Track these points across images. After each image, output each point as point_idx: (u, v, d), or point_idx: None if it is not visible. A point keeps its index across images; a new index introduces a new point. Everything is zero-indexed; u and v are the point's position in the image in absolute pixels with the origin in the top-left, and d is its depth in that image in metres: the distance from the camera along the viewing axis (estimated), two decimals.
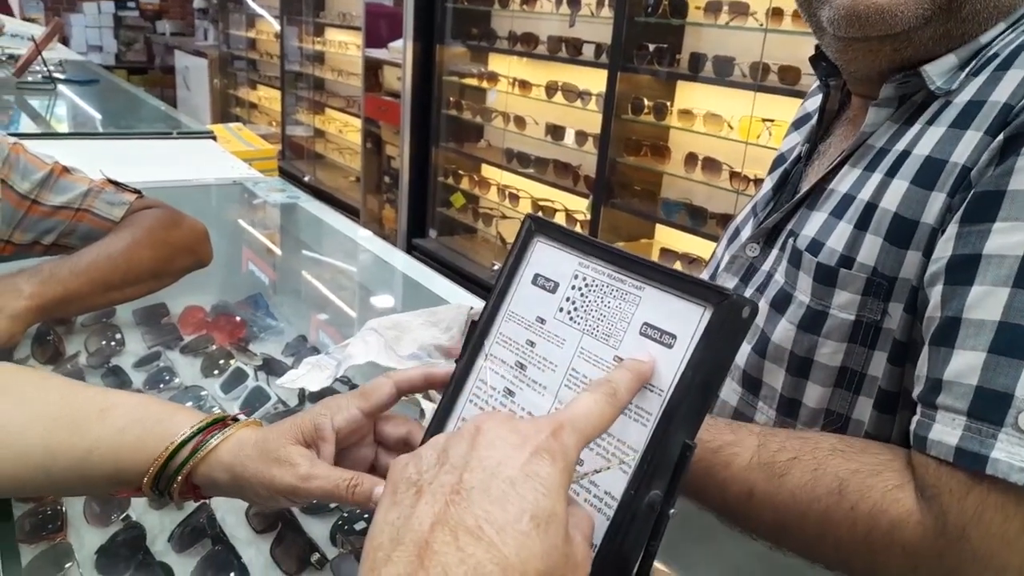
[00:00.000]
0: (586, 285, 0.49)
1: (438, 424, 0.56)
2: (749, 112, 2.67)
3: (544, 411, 0.49)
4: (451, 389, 0.56)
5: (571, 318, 0.49)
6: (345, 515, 0.84)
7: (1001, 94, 0.61)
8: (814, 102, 0.90)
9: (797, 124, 0.92)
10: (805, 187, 0.79)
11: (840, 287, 0.69)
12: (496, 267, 3.69)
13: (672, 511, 0.41)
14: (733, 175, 2.77)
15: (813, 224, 0.74)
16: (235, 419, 0.63)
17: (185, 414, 0.63)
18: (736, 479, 0.62)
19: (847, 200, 0.71)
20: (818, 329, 0.70)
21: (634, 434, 0.43)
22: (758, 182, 2.53)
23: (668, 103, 3.00)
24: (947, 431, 0.55)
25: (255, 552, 0.80)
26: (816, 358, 0.71)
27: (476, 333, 0.55)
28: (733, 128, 2.75)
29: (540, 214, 3.72)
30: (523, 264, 0.54)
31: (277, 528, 0.82)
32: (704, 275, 0.95)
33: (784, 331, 0.73)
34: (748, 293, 0.81)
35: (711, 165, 2.85)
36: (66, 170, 1.09)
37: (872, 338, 0.68)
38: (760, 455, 0.63)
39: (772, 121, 2.60)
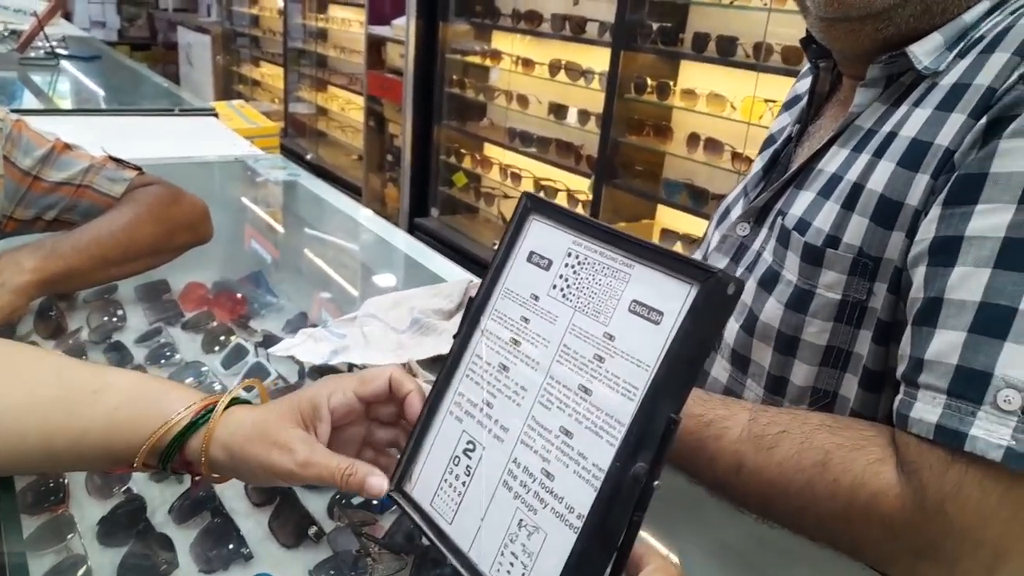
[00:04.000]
0: (579, 263, 0.50)
1: (436, 398, 0.57)
2: (751, 92, 2.66)
3: (537, 386, 0.50)
4: (448, 364, 0.57)
5: (563, 295, 0.50)
6: None
7: (985, 77, 0.62)
8: (804, 84, 0.91)
9: (788, 105, 0.92)
10: (794, 167, 0.79)
11: (826, 267, 0.69)
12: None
13: (656, 483, 0.42)
14: (735, 156, 2.76)
15: (801, 203, 0.74)
16: (235, 400, 0.63)
17: (179, 392, 0.62)
18: (726, 451, 0.64)
19: (835, 180, 0.72)
20: (805, 308, 0.71)
21: (621, 408, 0.44)
22: None
23: (671, 83, 2.98)
24: (928, 409, 0.56)
25: (254, 524, 0.81)
26: (803, 336, 0.72)
27: (473, 309, 0.56)
28: (736, 108, 2.74)
29: (542, 194, 3.73)
30: (519, 242, 0.55)
31: (275, 501, 0.83)
32: (696, 255, 0.96)
33: (772, 309, 0.74)
34: (738, 272, 0.82)
35: (713, 145, 2.84)
36: (67, 147, 1.10)
37: (858, 317, 0.69)
38: (751, 428, 0.64)
39: (774, 102, 2.58)
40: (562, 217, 0.52)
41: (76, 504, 0.81)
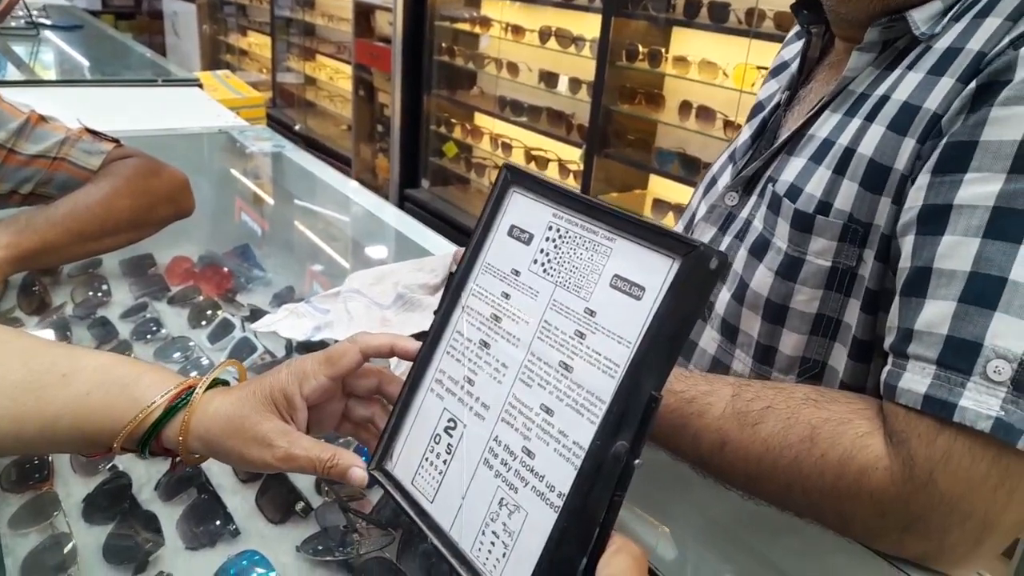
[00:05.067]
0: (560, 236, 0.49)
1: (417, 374, 0.56)
2: (744, 59, 2.63)
3: (518, 363, 0.49)
4: (429, 341, 0.56)
5: (544, 270, 0.49)
6: None
7: (977, 42, 0.61)
8: (791, 50, 0.90)
9: (775, 72, 0.91)
10: (784, 134, 0.78)
11: (817, 233, 0.69)
12: None
13: (637, 462, 0.41)
14: (727, 124, 2.74)
15: (792, 169, 0.74)
16: (217, 381, 0.62)
17: (151, 376, 0.61)
18: (710, 428, 0.63)
19: (827, 145, 0.71)
20: (795, 275, 0.71)
21: (602, 385, 0.44)
22: None
23: (663, 50, 2.95)
24: (916, 379, 0.56)
25: (240, 501, 0.81)
26: (792, 305, 0.71)
27: (453, 285, 0.55)
28: (728, 76, 2.71)
29: (533, 164, 3.67)
30: (499, 215, 0.54)
31: (262, 477, 0.83)
32: (679, 225, 0.95)
33: (762, 277, 0.73)
34: (727, 241, 0.81)
35: (705, 114, 2.82)
36: (42, 119, 1.08)
37: (847, 285, 0.68)
38: (734, 404, 0.63)
39: (767, 69, 2.55)
40: (543, 189, 0.51)
41: (61, 482, 0.81)
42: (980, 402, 0.53)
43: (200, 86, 2.20)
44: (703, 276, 0.42)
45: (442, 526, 0.49)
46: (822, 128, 0.72)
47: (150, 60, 2.73)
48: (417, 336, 0.59)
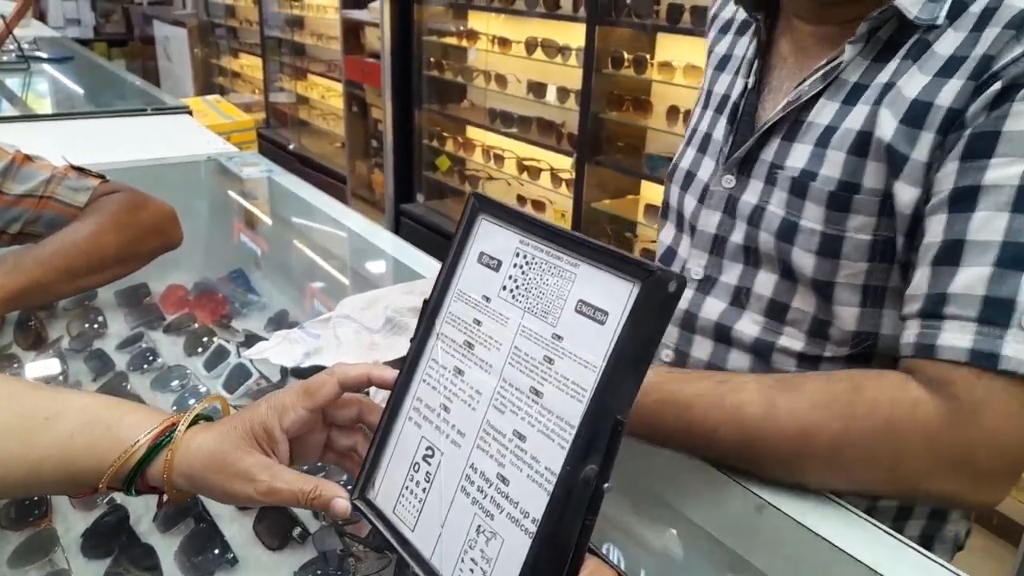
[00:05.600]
0: (527, 263, 0.50)
1: (395, 403, 0.57)
2: None
3: (491, 389, 0.50)
4: (406, 368, 0.57)
5: (513, 296, 0.50)
6: None
7: (981, 48, 0.68)
8: (724, 44, 0.94)
9: (720, 66, 0.94)
10: (767, 116, 0.82)
11: (855, 211, 0.74)
12: None
13: (607, 485, 0.42)
14: None
15: (798, 155, 0.78)
16: (200, 417, 0.62)
17: (135, 417, 0.62)
18: (752, 399, 0.66)
19: (830, 131, 0.75)
20: (837, 252, 0.75)
21: (570, 410, 0.44)
22: None
23: (648, 56, 2.96)
24: (957, 337, 0.62)
25: (238, 528, 0.82)
26: (838, 280, 0.76)
27: (427, 313, 0.56)
28: None
29: (525, 175, 3.65)
30: (469, 242, 0.55)
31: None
32: (667, 227, 0.96)
33: (800, 259, 0.77)
34: (741, 227, 0.83)
35: None
36: (28, 158, 1.09)
37: (890, 254, 0.74)
38: (769, 378, 0.68)
39: None
40: (509, 216, 0.52)
41: (60, 517, 0.82)
42: (1019, 350, 0.59)
43: (190, 113, 2.22)
44: (662, 299, 0.43)
45: (423, 554, 0.50)
46: (820, 115, 0.77)
47: (140, 89, 2.74)
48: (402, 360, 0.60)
